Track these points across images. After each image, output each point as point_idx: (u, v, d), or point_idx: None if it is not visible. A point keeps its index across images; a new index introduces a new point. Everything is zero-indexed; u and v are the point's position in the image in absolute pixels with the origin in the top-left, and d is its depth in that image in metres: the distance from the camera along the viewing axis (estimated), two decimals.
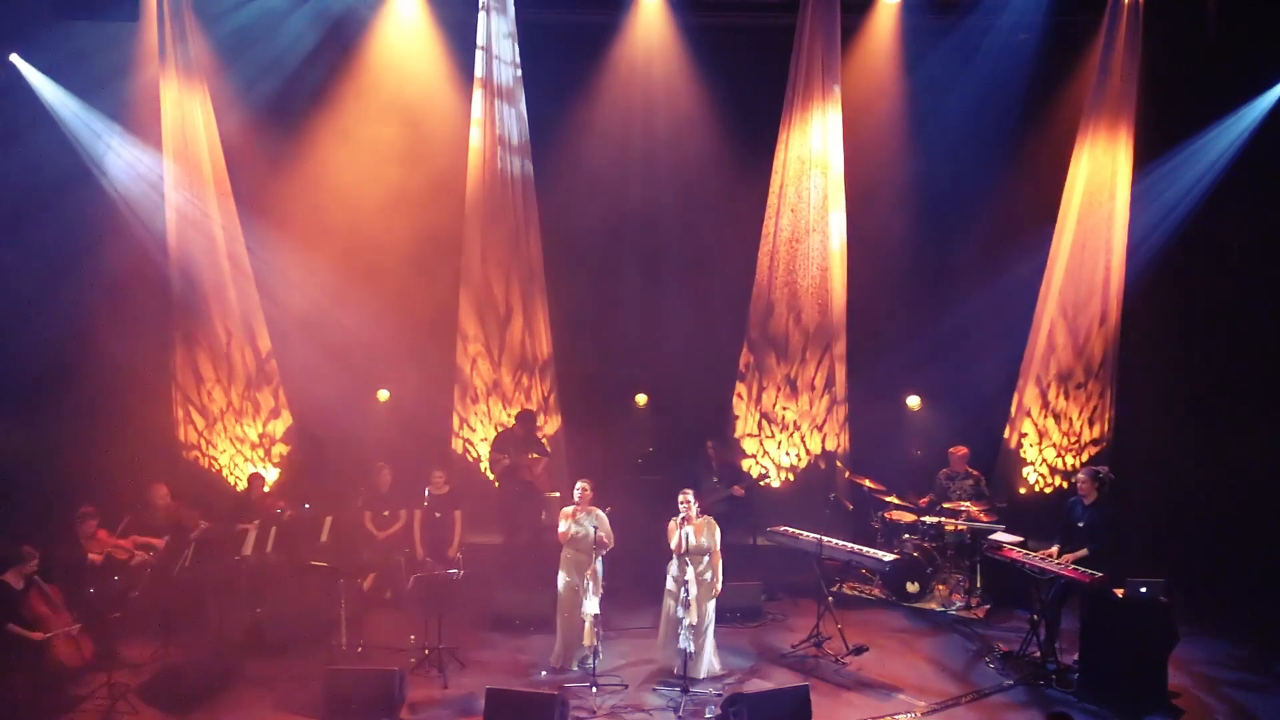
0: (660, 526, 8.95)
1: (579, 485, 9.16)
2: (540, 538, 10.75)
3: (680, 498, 8.91)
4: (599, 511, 9.09)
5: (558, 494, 11.18)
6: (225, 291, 11.66)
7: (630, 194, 12.11)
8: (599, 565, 9.02)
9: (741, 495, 11.33)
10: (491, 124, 11.83)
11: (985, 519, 10.76)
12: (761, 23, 11.90)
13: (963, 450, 11.31)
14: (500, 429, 12.07)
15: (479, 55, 11.69)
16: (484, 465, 12.35)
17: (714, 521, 9.04)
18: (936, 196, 11.95)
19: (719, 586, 8.95)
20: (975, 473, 11.27)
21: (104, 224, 11.00)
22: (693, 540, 8.82)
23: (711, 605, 8.93)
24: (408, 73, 11.77)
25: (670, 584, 8.88)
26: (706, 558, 8.91)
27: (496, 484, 11.78)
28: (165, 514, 10.23)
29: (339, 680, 8.44)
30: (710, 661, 8.98)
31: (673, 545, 8.81)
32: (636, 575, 10.14)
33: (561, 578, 9.12)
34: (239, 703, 8.60)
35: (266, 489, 11.27)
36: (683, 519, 8.82)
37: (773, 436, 12.47)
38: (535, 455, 11.40)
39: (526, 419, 11.65)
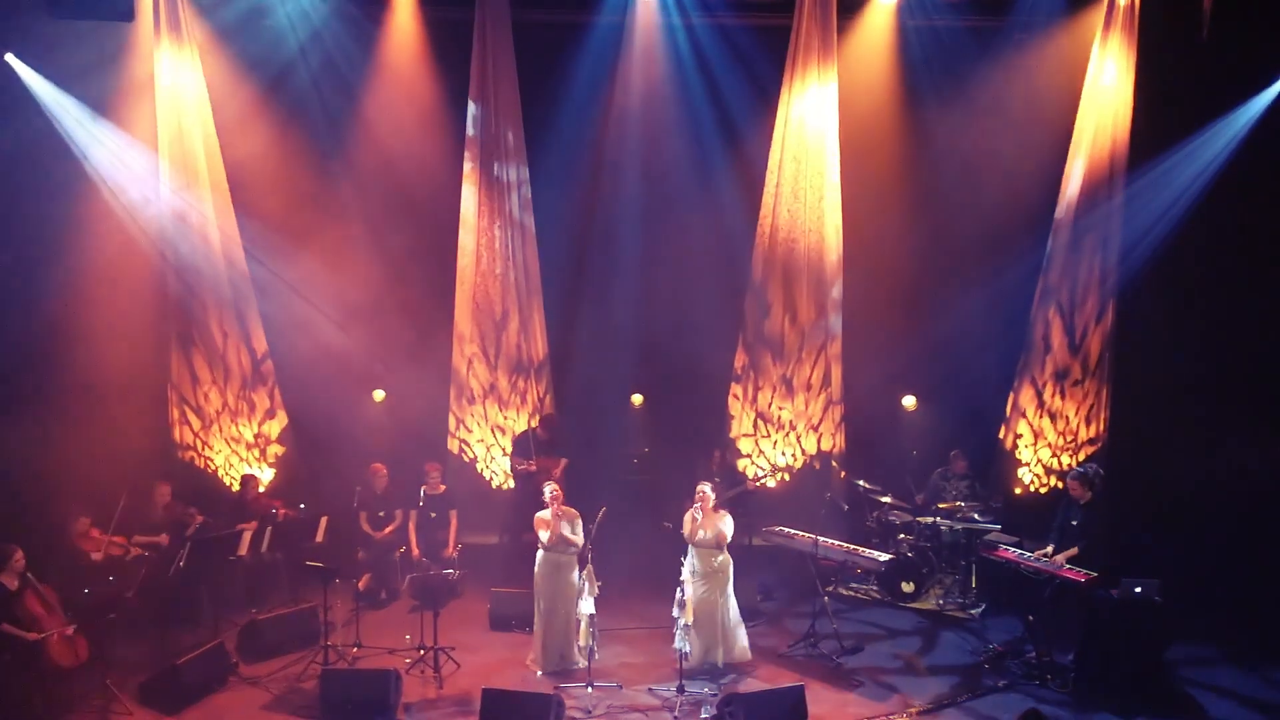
0: (656, 527, 8.94)
1: (549, 486, 9.22)
2: None
3: (698, 489, 9.07)
4: (573, 511, 9.15)
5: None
6: (221, 291, 11.64)
7: (626, 194, 12.09)
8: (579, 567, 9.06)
9: (753, 488, 11.63)
10: (487, 127, 11.80)
11: (980, 519, 10.77)
12: (757, 24, 11.88)
13: (956, 452, 11.37)
14: (518, 433, 11.96)
15: (474, 55, 11.66)
16: (480, 466, 12.35)
17: (726, 515, 9.14)
18: (932, 195, 11.94)
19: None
20: (969, 473, 11.28)
21: (99, 223, 10.94)
22: (702, 531, 8.91)
23: (731, 594, 9.06)
24: (405, 73, 11.73)
25: (684, 574, 8.93)
26: (721, 552, 8.98)
27: (510, 484, 11.91)
28: (165, 512, 10.26)
29: (335, 681, 8.46)
30: (745, 645, 9.16)
31: (685, 533, 9.00)
32: (631, 575, 10.14)
33: (545, 581, 9.11)
34: (234, 704, 8.60)
35: (261, 489, 11.26)
36: (698, 508, 8.97)
37: (768, 436, 12.47)
38: (555, 459, 11.38)
39: (550, 423, 11.72)
